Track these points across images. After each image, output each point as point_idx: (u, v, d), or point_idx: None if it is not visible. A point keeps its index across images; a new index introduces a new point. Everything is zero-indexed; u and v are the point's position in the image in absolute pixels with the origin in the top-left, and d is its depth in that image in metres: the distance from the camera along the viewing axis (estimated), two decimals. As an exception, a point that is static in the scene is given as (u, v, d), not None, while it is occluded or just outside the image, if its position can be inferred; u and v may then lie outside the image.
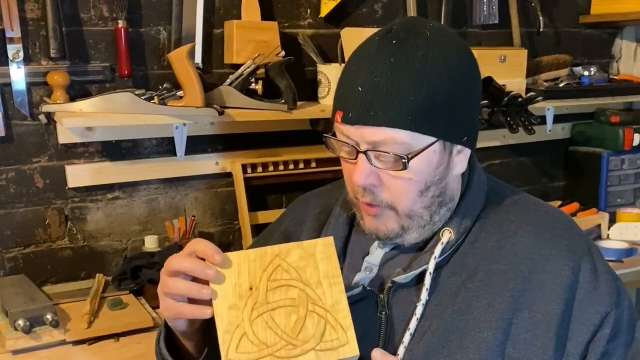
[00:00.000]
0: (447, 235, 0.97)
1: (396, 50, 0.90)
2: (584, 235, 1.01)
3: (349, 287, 0.99)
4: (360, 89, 0.90)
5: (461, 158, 0.97)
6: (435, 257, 0.95)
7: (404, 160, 0.90)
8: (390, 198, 0.94)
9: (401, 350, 0.92)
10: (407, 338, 0.93)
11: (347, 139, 0.94)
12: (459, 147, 0.95)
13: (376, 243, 1.03)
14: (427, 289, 0.94)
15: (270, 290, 0.87)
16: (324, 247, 0.90)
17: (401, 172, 0.92)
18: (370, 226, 0.99)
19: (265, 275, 0.87)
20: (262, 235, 1.22)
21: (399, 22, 0.95)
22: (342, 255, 1.06)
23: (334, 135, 0.97)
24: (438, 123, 0.90)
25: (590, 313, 0.93)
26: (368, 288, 0.98)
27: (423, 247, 1.00)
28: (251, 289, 0.87)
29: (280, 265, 0.88)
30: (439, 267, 0.96)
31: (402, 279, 0.96)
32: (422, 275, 0.96)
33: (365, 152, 0.92)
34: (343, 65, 1.97)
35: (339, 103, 0.95)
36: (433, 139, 0.91)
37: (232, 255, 0.88)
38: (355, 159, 0.93)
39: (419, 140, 0.90)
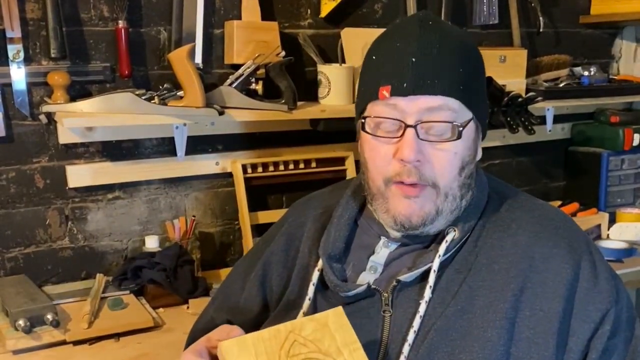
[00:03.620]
0: (451, 234, 0.98)
1: (436, 29, 0.96)
2: (583, 234, 1.02)
3: (353, 286, 0.99)
4: (413, 59, 0.93)
5: (479, 145, 1.01)
6: (440, 255, 0.96)
7: (459, 128, 0.93)
8: (434, 175, 0.94)
9: (405, 349, 0.93)
10: (411, 336, 0.93)
11: (392, 112, 0.94)
12: (479, 135, 1.01)
13: (381, 242, 1.03)
14: (431, 287, 0.95)
15: None
16: (336, 317, 0.89)
17: (447, 145, 0.94)
18: (405, 211, 0.96)
19: (284, 353, 0.86)
20: (262, 238, 1.22)
21: (417, 13, 1.02)
22: (345, 255, 1.05)
23: (364, 119, 0.98)
24: (476, 98, 0.97)
25: (590, 310, 0.93)
26: (372, 286, 0.98)
27: (427, 246, 1.00)
28: None
29: (296, 340, 0.87)
30: (442, 266, 0.97)
31: (406, 277, 0.96)
32: (426, 274, 0.96)
33: (414, 126, 0.92)
34: (343, 65, 1.98)
35: (384, 78, 0.95)
36: (471, 114, 0.96)
37: (246, 338, 0.87)
38: (401, 135, 0.94)
39: (463, 113, 0.95)
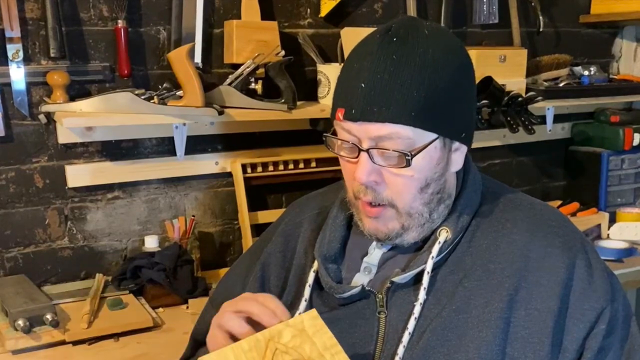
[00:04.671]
0: (443, 235, 0.97)
1: (397, 48, 0.91)
2: (578, 232, 1.02)
3: (347, 287, 0.99)
4: (362, 85, 0.91)
5: (458, 155, 0.98)
6: (433, 257, 0.96)
7: (407, 157, 0.91)
8: (391, 195, 0.95)
9: (400, 350, 0.93)
10: (405, 338, 0.93)
11: (348, 135, 0.94)
12: (457, 144, 0.97)
13: (374, 243, 1.03)
14: (425, 288, 0.95)
15: None
16: (311, 320, 0.89)
17: (402, 170, 0.92)
18: (369, 227, 0.99)
19: None
20: (260, 238, 1.22)
21: (397, 20, 0.95)
22: (341, 256, 1.05)
23: (334, 133, 0.97)
24: (439, 119, 0.91)
25: (585, 309, 0.93)
26: (367, 288, 0.98)
27: (421, 246, 1.00)
28: None
29: (277, 348, 0.86)
30: (436, 267, 0.97)
31: (400, 278, 0.96)
32: (420, 275, 0.96)
33: (367, 150, 0.92)
34: (343, 64, 1.97)
35: (340, 100, 0.95)
36: (434, 135, 0.92)
37: (226, 351, 0.86)
38: (357, 157, 0.94)
39: (421, 136, 0.91)
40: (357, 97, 0.91)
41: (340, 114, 0.93)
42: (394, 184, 0.94)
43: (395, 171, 0.93)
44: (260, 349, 0.86)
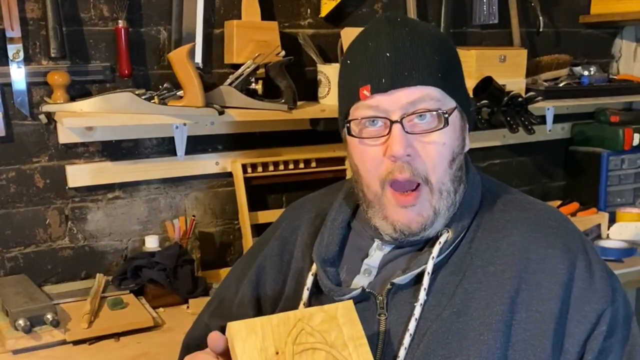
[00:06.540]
0: (444, 235, 0.97)
1: (404, 25, 0.96)
2: (578, 232, 1.02)
3: (347, 290, 0.99)
4: (387, 54, 0.93)
5: (467, 137, 1.02)
6: (433, 257, 0.95)
7: (445, 115, 0.93)
8: (426, 169, 0.94)
9: (401, 352, 0.92)
10: (406, 339, 0.93)
11: (375, 112, 0.94)
12: (466, 123, 1.01)
13: (375, 244, 1.03)
14: (425, 289, 0.94)
15: (296, 354, 0.86)
16: (345, 311, 0.89)
17: (435, 136, 0.93)
18: (403, 221, 0.96)
19: (290, 339, 0.86)
20: (257, 242, 1.21)
21: (382, 14, 1.01)
22: (339, 258, 1.05)
23: (349, 124, 0.97)
24: (456, 87, 0.97)
25: (586, 311, 0.93)
26: (367, 290, 0.98)
27: (421, 247, 1.00)
28: (277, 353, 0.86)
29: (304, 329, 0.87)
30: (437, 267, 0.96)
31: (400, 280, 0.96)
32: (420, 276, 0.96)
33: (400, 121, 0.92)
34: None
35: (362, 79, 0.95)
36: (454, 103, 0.96)
37: (255, 321, 0.87)
38: (388, 133, 0.93)
39: (446, 101, 0.95)
40: (384, 67, 0.93)
41: (366, 91, 0.94)
42: (428, 155, 0.94)
43: (428, 139, 0.93)
44: (287, 326, 0.87)
